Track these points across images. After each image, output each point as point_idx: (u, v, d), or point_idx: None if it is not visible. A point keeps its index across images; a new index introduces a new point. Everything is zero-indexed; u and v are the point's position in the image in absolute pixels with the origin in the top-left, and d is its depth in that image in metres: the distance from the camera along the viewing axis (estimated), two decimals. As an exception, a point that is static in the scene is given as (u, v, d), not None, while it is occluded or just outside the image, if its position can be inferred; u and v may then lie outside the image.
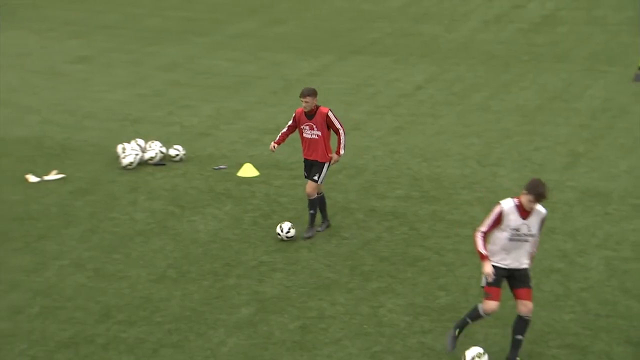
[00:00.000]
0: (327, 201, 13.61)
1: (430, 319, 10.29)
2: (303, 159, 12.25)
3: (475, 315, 9.36)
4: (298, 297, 10.77)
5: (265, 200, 13.66)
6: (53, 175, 14.52)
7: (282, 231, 12.16)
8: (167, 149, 15.44)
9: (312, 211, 12.27)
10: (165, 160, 15.24)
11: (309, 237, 12.21)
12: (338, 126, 11.99)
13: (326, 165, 12.10)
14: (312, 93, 11.82)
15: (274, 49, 23.06)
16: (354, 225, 12.80)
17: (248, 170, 14.75)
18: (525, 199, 8.93)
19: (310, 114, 11.90)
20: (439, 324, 10.18)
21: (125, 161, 14.86)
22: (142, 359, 9.45)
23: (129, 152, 15.00)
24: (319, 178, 12.09)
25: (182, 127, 17.08)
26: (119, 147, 15.28)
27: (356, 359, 9.51)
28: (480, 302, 9.42)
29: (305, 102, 11.80)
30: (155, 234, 12.43)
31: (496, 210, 9.04)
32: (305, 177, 12.29)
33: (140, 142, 15.44)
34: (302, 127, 12.01)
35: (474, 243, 9.27)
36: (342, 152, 12.08)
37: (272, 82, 20.22)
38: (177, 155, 15.28)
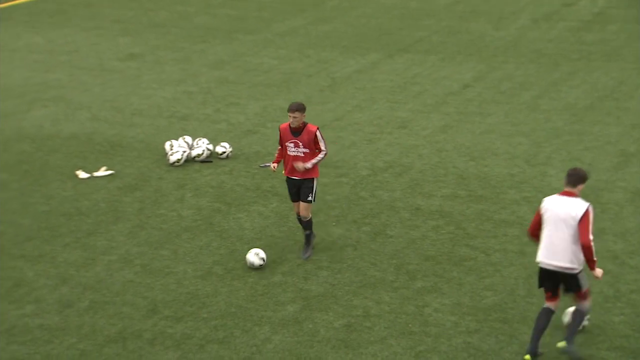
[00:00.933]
0: (372, 200, 13.60)
1: (476, 319, 10.21)
2: (285, 178, 11.53)
3: (582, 319, 9.36)
4: (343, 295, 10.77)
5: (311, 198, 13.67)
6: (102, 172, 14.71)
7: (255, 262, 11.32)
8: (214, 146, 15.54)
9: (308, 232, 11.63)
10: (212, 158, 15.34)
11: (308, 257, 11.61)
12: (323, 147, 11.32)
13: (315, 181, 11.41)
14: (302, 108, 11.14)
15: (321, 46, 23.07)
16: (400, 224, 12.75)
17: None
18: (578, 191, 9.17)
19: (296, 131, 11.20)
20: (485, 324, 10.10)
21: (172, 158, 14.99)
22: (189, 355, 9.53)
23: (177, 149, 15.13)
24: (312, 197, 11.42)
25: (229, 125, 17.18)
26: (167, 144, 15.42)
27: (401, 358, 9.47)
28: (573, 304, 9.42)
29: (294, 117, 11.10)
30: (202, 231, 12.53)
31: (592, 212, 9.11)
32: (293, 200, 11.59)
33: (188, 139, 15.57)
34: (286, 144, 11.30)
35: (592, 253, 9.08)
36: (309, 165, 11.28)
37: (319, 79, 20.24)
38: (224, 152, 15.37)
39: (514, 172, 14.62)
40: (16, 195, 13.78)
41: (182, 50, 22.76)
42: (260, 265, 11.33)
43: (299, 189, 11.47)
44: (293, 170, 11.35)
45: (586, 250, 8.99)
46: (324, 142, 11.38)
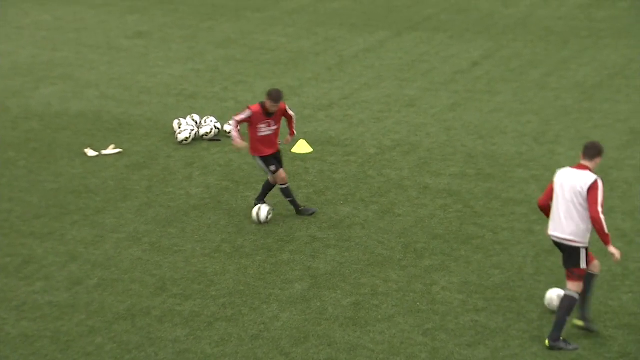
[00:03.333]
0: (380, 179, 13.60)
1: (484, 297, 10.22)
2: (267, 157, 11.88)
3: (571, 309, 9.20)
4: (351, 274, 10.79)
5: (318, 177, 13.68)
6: (111, 150, 14.73)
7: (259, 217, 11.99)
8: (222, 124, 15.53)
9: (291, 198, 12.23)
10: (220, 136, 15.34)
11: (313, 212, 12.24)
12: (292, 113, 12.12)
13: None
14: (283, 96, 11.77)
15: (330, 24, 22.97)
16: (407, 202, 12.75)
17: (302, 147, 14.77)
18: (594, 165, 9.14)
19: (271, 112, 11.74)
20: (493, 302, 10.11)
21: (180, 137, 14.99)
22: (197, 332, 9.58)
23: (185, 127, 15.12)
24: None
25: (236, 103, 17.15)
26: (175, 123, 15.42)
27: (409, 335, 9.50)
28: (563, 287, 9.36)
29: (277, 106, 11.68)
30: (210, 209, 12.55)
31: (600, 185, 9.02)
32: (277, 169, 11.98)
33: (196, 117, 15.56)
34: (258, 126, 11.74)
35: (602, 225, 8.94)
36: (295, 133, 12.32)
37: (327, 58, 20.17)
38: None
39: (523, 151, 14.57)
40: (25, 173, 13.81)
41: (190, 28, 22.70)
42: (265, 218, 11.94)
43: (279, 159, 12.12)
44: (269, 146, 11.88)
45: (595, 223, 8.96)
46: (291, 109, 12.27)
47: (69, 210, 12.52)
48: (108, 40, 21.50)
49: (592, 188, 8.97)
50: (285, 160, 14.28)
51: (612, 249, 9.09)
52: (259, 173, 13.84)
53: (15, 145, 14.98)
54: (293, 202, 12.27)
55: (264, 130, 11.78)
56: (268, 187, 12.29)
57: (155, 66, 19.50)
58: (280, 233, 11.83)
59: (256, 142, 11.84)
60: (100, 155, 14.56)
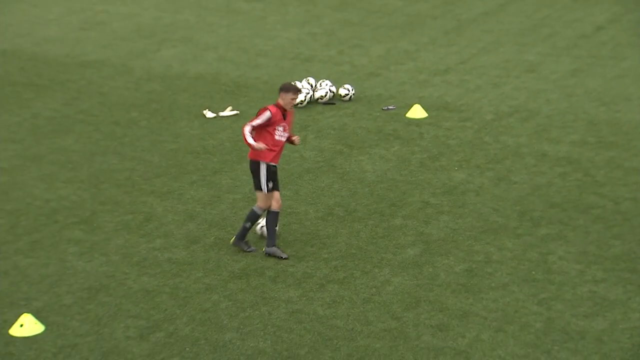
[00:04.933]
0: (497, 145, 13.35)
1: (603, 268, 9.93)
2: (271, 167, 10.15)
3: None
4: (464, 241, 10.67)
5: (433, 142, 13.53)
6: (228, 112, 14.99)
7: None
8: (337, 88, 15.54)
9: (250, 225, 10.37)
10: (335, 100, 15.36)
11: (251, 250, 10.42)
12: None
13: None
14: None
15: (447, -13, 22.55)
16: (524, 170, 12.47)
17: (417, 112, 14.63)
18: None
19: (285, 114, 10.18)
20: (613, 273, 9.81)
21: (296, 99, 15.07)
22: (309, 293, 9.70)
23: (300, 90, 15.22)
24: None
25: (352, 67, 17.12)
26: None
27: (523, 304, 9.34)
28: None
29: (295, 99, 10.20)
30: (324, 172, 12.62)
31: None
32: (273, 189, 10.23)
33: (312, 80, 15.62)
34: (277, 127, 10.10)
35: None
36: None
37: (444, 21, 19.84)
38: (347, 94, 15.35)
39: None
40: (146, 133, 14.23)
41: (307, -9, 22.72)
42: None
43: (276, 180, 10.34)
44: (278, 156, 10.28)
45: None
46: None
47: (188, 170, 12.83)
48: (228, 3, 21.79)
49: None
50: (399, 125, 14.20)
51: None
52: (373, 137, 13.80)
53: (138, 105, 15.43)
54: (246, 230, 10.34)
55: (280, 134, 10.16)
56: (254, 218, 10.32)
57: (273, 29, 19.65)
58: (392, 198, 11.79)
59: (268, 147, 10.12)
60: (217, 117, 14.84)
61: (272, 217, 10.28)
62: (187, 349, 8.80)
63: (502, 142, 13.40)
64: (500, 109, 14.71)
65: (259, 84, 16.33)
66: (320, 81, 15.62)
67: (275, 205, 10.28)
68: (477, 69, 16.68)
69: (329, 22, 20.06)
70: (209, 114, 14.91)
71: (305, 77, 15.92)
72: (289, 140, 10.45)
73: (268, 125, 10.10)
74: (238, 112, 15.00)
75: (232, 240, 10.60)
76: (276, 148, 10.19)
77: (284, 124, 10.20)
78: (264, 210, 10.36)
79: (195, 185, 12.34)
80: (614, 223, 10.92)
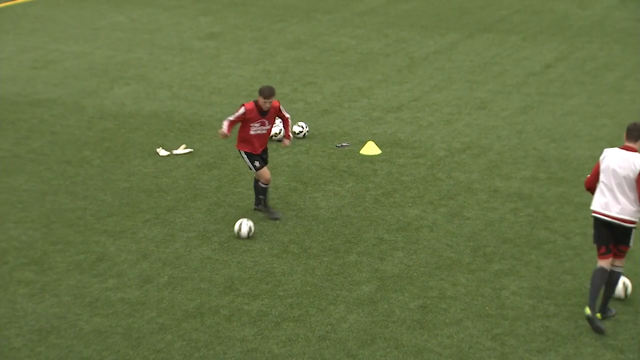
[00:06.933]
0: (449, 181, 13.49)
1: (555, 303, 10.04)
2: (253, 155, 11.97)
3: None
4: (419, 277, 10.72)
5: (387, 179, 13.63)
6: (182, 150, 14.94)
7: (239, 233, 11.70)
8: (292, 126, 15.59)
9: (264, 197, 12.28)
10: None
11: (277, 218, 12.21)
12: (287, 115, 12.14)
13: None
14: (275, 93, 11.83)
15: (400, 26, 22.88)
16: (477, 205, 12.61)
17: (371, 148, 14.74)
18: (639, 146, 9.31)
19: (264, 111, 11.83)
20: (565, 308, 9.92)
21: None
22: (265, 332, 9.64)
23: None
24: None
25: (306, 104, 17.22)
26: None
27: (477, 340, 9.39)
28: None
29: (270, 102, 11.77)
30: (278, 210, 12.61)
31: None
32: (261, 166, 12.03)
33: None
34: (252, 124, 11.85)
35: None
36: (292, 137, 12.71)
37: (397, 59, 20.09)
38: (301, 132, 15.42)
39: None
40: (99, 172, 14.11)
41: (261, 29, 22.88)
42: (247, 234, 11.67)
43: (265, 159, 12.22)
44: (260, 145, 11.99)
45: None
46: (285, 110, 12.23)
47: (141, 209, 12.73)
48: (181, 42, 21.82)
49: None
50: (353, 161, 14.29)
51: None
52: (328, 174, 13.86)
53: (91, 144, 15.31)
54: (262, 200, 12.25)
55: (257, 129, 11.89)
56: (260, 188, 12.23)
57: (227, 67, 19.71)
58: (347, 234, 11.82)
59: (246, 138, 11.93)
60: (171, 155, 14.78)
61: (260, 189, 12.04)
62: (140, 390, 8.65)
63: (455, 178, 13.55)
64: (453, 146, 14.89)
65: (212, 121, 16.33)
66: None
67: (262, 181, 12.06)
68: (429, 106, 16.90)
69: (283, 60, 20.19)
70: (162, 152, 14.85)
71: (260, 115, 15.96)
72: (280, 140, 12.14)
73: (244, 120, 11.80)
74: (192, 150, 14.96)
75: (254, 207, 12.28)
76: (253, 140, 11.87)
77: (262, 120, 11.81)
78: (266, 184, 12.10)
79: (148, 224, 12.25)
80: (565, 258, 11.07)
